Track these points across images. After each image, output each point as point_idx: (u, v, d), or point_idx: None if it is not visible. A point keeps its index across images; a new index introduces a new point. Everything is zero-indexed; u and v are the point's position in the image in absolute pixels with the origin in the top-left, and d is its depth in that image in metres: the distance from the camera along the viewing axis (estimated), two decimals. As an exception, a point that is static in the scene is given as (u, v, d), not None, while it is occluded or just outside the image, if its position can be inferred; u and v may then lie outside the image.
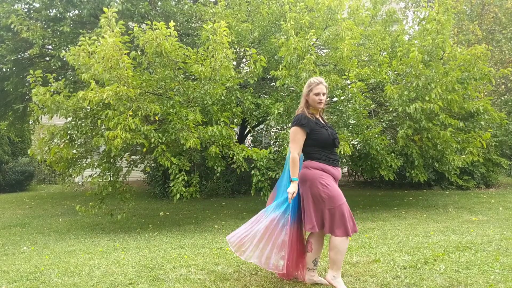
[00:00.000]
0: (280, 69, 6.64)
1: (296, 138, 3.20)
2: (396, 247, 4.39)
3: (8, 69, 8.98)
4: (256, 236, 3.15)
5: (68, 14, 8.75)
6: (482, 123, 7.38)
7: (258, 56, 6.63)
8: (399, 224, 6.08)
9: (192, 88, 6.47)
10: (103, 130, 6.39)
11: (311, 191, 3.15)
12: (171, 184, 6.26)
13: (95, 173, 7.02)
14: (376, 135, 6.68)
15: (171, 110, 6.26)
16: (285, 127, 7.33)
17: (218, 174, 6.71)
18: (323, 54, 8.55)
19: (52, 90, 6.40)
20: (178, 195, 6.16)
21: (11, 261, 4.84)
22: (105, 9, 6.19)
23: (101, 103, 5.95)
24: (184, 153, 6.52)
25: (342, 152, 6.15)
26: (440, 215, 6.84)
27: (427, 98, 6.25)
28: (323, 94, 3.24)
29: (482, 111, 7.15)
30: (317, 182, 3.13)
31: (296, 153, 3.18)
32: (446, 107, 6.70)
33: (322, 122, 3.33)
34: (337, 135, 3.36)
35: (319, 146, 3.21)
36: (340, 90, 6.80)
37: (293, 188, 3.15)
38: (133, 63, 6.28)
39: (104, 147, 6.47)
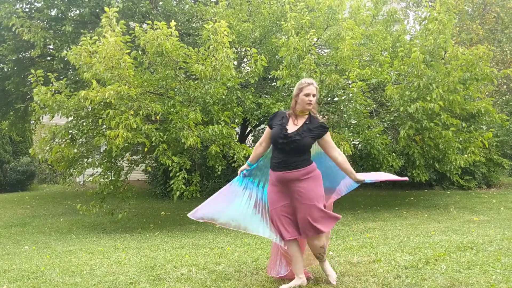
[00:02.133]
0: (281, 69, 6.64)
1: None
2: (397, 247, 4.38)
3: (9, 69, 8.99)
4: None
5: (69, 13, 8.76)
6: (484, 126, 7.37)
7: (259, 56, 6.63)
8: (400, 224, 6.07)
9: (193, 87, 6.48)
10: (104, 130, 6.40)
11: None
12: (171, 182, 6.26)
13: (96, 172, 7.03)
14: (377, 135, 6.67)
15: (172, 110, 6.27)
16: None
17: (219, 173, 6.72)
18: (325, 54, 8.55)
19: (53, 89, 6.40)
20: (178, 193, 6.17)
21: (13, 260, 4.85)
22: (106, 8, 6.19)
23: (102, 103, 5.95)
24: (185, 152, 6.53)
25: (342, 151, 6.15)
26: (441, 215, 6.83)
27: (428, 98, 6.24)
28: (313, 96, 3.21)
29: (483, 112, 7.14)
30: None
31: (259, 142, 3.41)
32: (447, 108, 6.69)
33: (296, 126, 3.21)
34: (298, 140, 3.13)
35: (272, 144, 3.29)
36: (341, 90, 6.80)
37: (242, 167, 3.43)
38: (134, 63, 6.29)
39: (105, 147, 6.48)
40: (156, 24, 6.07)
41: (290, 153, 3.16)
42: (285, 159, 3.16)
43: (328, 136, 3.27)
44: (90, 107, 6.39)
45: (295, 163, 3.15)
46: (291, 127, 3.20)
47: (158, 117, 6.40)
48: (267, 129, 3.33)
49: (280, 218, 3.16)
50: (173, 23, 6.15)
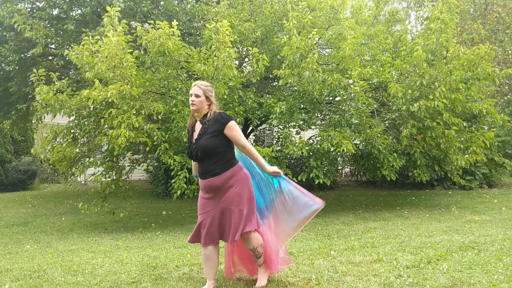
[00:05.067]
0: (283, 68, 6.64)
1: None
2: (399, 247, 4.38)
3: (11, 69, 9.01)
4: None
5: (71, 13, 8.77)
6: (485, 127, 7.36)
7: (260, 56, 6.64)
8: (401, 223, 6.07)
9: (195, 87, 6.47)
10: (106, 129, 6.41)
11: None
12: (173, 181, 6.27)
13: (98, 171, 7.03)
14: (379, 135, 6.68)
15: (173, 109, 6.28)
16: (287, 125, 7.34)
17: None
18: (326, 54, 8.55)
19: (55, 89, 6.41)
20: (179, 192, 6.17)
21: (15, 259, 4.86)
22: (108, 8, 6.20)
23: (104, 102, 5.96)
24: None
25: (345, 151, 6.15)
26: (442, 215, 6.83)
27: (431, 97, 6.24)
28: (196, 96, 3.13)
29: (485, 113, 7.13)
30: None
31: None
32: (449, 107, 6.69)
33: (195, 131, 3.19)
34: (200, 145, 3.09)
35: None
36: (342, 90, 6.80)
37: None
38: (136, 62, 6.29)
39: (107, 146, 6.48)
40: (158, 24, 6.08)
41: (203, 160, 3.13)
42: (202, 167, 3.16)
43: (229, 129, 3.10)
44: (92, 106, 6.40)
45: (212, 170, 3.11)
46: (196, 134, 3.17)
47: (160, 117, 6.41)
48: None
49: (203, 225, 3.20)
50: (175, 22, 6.15)
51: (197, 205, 3.36)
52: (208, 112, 3.16)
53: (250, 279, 3.44)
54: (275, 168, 3.24)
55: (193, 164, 3.45)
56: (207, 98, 3.15)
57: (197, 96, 3.12)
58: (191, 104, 3.14)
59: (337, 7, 7.18)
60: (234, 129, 3.11)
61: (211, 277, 3.23)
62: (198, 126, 3.18)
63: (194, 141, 3.15)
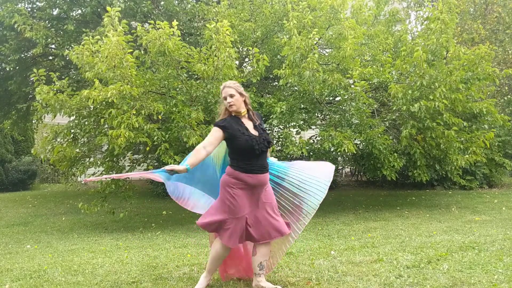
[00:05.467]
0: (283, 68, 6.65)
1: (210, 135, 3.15)
2: (399, 247, 4.39)
3: (11, 69, 9.02)
4: None
5: (71, 13, 8.78)
6: (486, 126, 7.36)
7: (260, 55, 6.64)
8: (402, 223, 6.07)
9: (195, 87, 6.48)
10: (106, 129, 6.41)
11: (221, 194, 3.16)
12: None
13: (98, 171, 7.03)
14: (379, 135, 6.68)
15: (174, 109, 6.28)
16: (287, 125, 7.35)
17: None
18: (326, 54, 8.55)
19: (55, 88, 6.41)
20: None
21: (15, 259, 4.86)
22: (108, 8, 6.20)
23: (104, 102, 5.96)
24: (187, 151, 6.54)
25: (346, 151, 6.16)
26: (443, 215, 6.82)
27: (431, 97, 6.24)
28: (231, 96, 3.15)
29: (485, 113, 7.14)
30: (226, 188, 3.12)
31: (202, 145, 3.10)
32: (450, 107, 6.69)
33: (247, 126, 3.18)
34: (265, 140, 3.15)
35: (237, 154, 3.14)
36: (343, 90, 6.80)
37: (175, 167, 3.05)
38: (136, 62, 6.29)
39: (107, 146, 6.49)
40: (158, 24, 6.08)
41: (262, 153, 3.16)
42: (259, 162, 3.14)
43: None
44: (92, 106, 6.40)
45: (266, 164, 3.23)
46: (251, 128, 3.19)
47: (160, 117, 6.41)
48: (219, 133, 3.12)
49: (242, 228, 3.10)
50: (175, 22, 6.15)
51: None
52: (248, 109, 3.26)
53: (250, 279, 3.44)
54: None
55: (200, 157, 3.08)
56: (240, 94, 3.21)
57: (231, 96, 3.16)
58: (230, 105, 3.15)
59: (337, 7, 7.19)
60: None
61: (212, 273, 3.28)
62: (248, 121, 3.23)
63: (257, 134, 3.15)
